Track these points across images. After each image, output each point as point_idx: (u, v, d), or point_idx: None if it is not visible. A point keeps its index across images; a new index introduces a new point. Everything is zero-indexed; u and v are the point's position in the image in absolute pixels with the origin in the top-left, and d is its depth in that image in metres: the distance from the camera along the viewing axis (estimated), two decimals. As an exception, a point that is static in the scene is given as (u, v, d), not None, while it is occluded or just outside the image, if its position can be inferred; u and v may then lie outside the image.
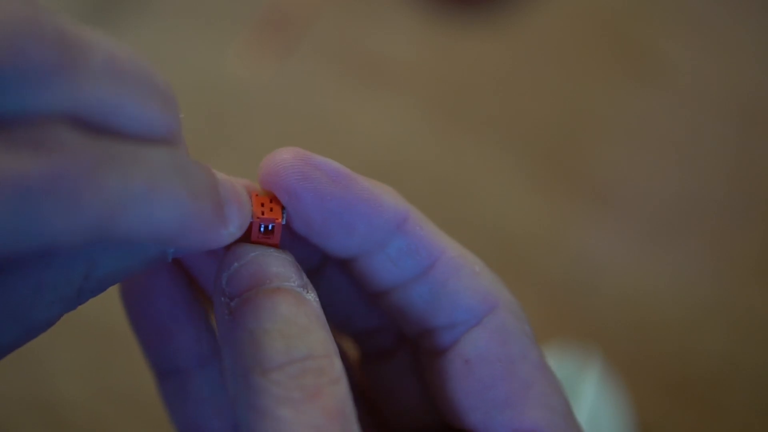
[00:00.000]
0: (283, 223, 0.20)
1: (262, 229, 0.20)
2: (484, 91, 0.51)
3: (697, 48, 0.52)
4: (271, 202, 0.21)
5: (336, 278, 0.23)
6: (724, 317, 0.42)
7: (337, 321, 0.23)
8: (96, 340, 0.41)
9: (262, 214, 0.20)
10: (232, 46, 0.52)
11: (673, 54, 0.52)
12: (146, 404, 0.39)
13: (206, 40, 0.53)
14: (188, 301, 0.22)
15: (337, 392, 0.17)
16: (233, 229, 0.19)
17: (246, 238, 0.20)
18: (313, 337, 0.18)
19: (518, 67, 0.52)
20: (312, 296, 0.19)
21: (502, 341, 0.19)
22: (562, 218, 0.46)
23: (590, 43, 0.53)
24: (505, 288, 0.20)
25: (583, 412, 0.37)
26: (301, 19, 0.53)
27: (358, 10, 0.54)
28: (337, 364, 0.18)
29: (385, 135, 0.49)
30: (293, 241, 0.21)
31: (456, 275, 0.20)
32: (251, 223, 0.20)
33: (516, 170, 0.47)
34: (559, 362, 0.38)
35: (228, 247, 0.20)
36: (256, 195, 0.21)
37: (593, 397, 0.37)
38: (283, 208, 0.21)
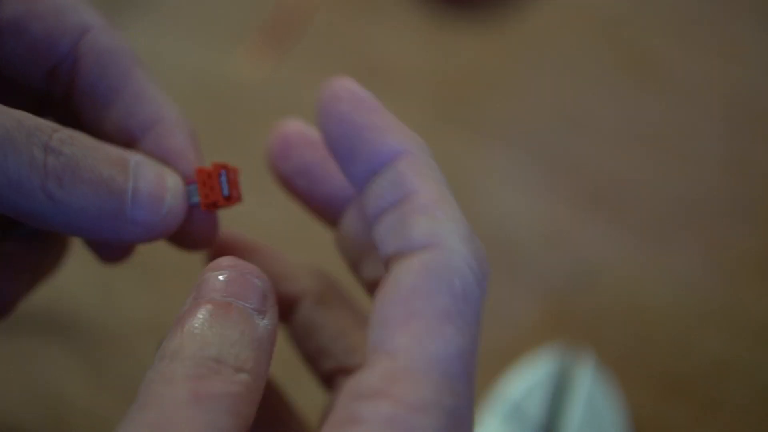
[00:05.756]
0: (226, 193, 0.23)
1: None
2: (484, 92, 0.51)
3: (693, 49, 0.52)
4: (210, 177, 0.23)
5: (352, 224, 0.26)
6: (720, 316, 0.42)
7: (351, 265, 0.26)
8: (98, 339, 0.41)
9: (206, 195, 0.23)
10: (232, 48, 0.52)
11: (669, 55, 0.52)
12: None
13: (207, 41, 0.53)
14: None
15: (220, 388, 0.19)
16: (139, 232, 0.22)
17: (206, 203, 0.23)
18: (234, 351, 0.20)
19: (517, 68, 0.52)
20: (265, 322, 0.21)
21: (417, 273, 0.20)
22: (560, 219, 0.46)
23: (588, 45, 0.53)
24: (472, 246, 0.21)
25: (579, 408, 0.37)
26: (300, 20, 0.54)
27: (357, 10, 0.54)
28: (241, 377, 0.19)
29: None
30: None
31: (415, 213, 0.21)
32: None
33: (515, 170, 0.47)
34: (556, 359, 0.38)
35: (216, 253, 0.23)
36: (201, 171, 0.23)
37: (589, 394, 0.37)
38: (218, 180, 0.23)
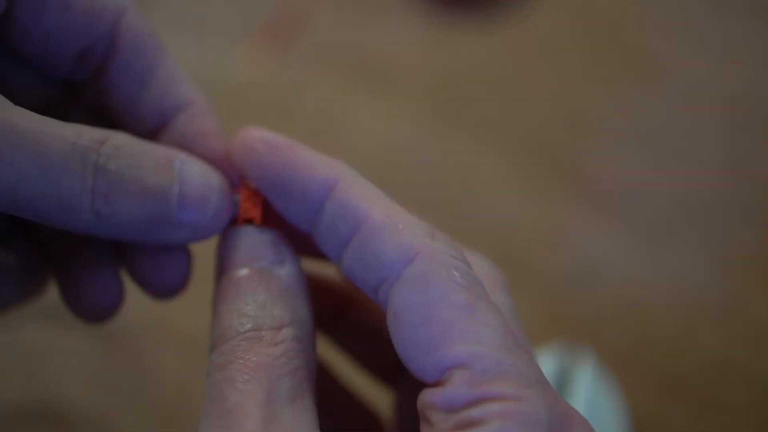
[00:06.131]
0: (265, 214, 0.23)
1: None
2: (484, 91, 0.51)
3: (693, 49, 0.52)
4: (255, 195, 0.23)
5: None
6: (720, 316, 0.42)
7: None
8: (98, 339, 0.41)
9: (246, 210, 0.23)
10: (232, 48, 0.52)
11: (669, 55, 0.52)
12: (147, 400, 0.39)
13: (207, 41, 0.53)
14: None
15: (266, 354, 0.19)
16: (185, 234, 0.22)
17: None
18: (267, 312, 0.20)
19: (517, 69, 0.52)
20: (285, 270, 0.22)
21: (421, 289, 0.20)
22: (561, 218, 0.46)
23: (587, 45, 0.53)
24: (440, 239, 0.21)
25: (579, 408, 0.37)
26: (300, 21, 0.54)
27: (357, 11, 0.54)
28: (285, 333, 0.20)
29: (384, 136, 0.49)
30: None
31: (378, 234, 0.21)
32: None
33: (515, 171, 0.47)
34: (556, 359, 0.39)
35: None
36: (247, 186, 0.23)
37: (589, 393, 0.37)
38: (264, 201, 0.23)
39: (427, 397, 0.19)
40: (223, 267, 0.22)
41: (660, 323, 0.42)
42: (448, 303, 0.19)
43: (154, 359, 0.40)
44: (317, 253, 0.25)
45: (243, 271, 0.21)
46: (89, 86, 0.24)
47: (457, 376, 0.19)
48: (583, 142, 0.49)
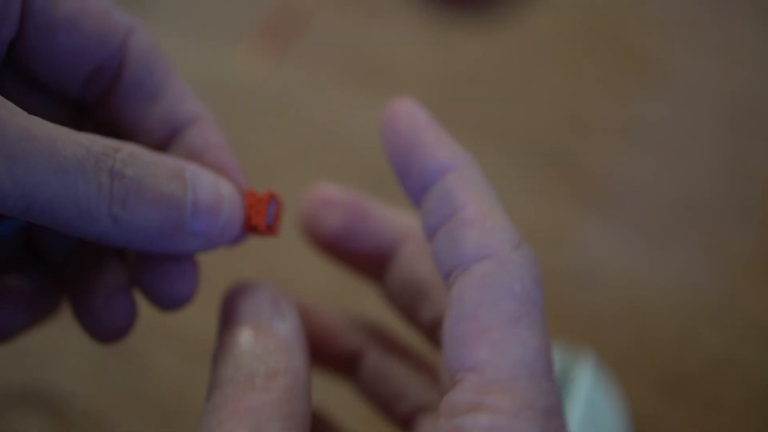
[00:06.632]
0: (269, 221, 0.24)
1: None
2: (484, 92, 0.51)
3: (693, 49, 0.52)
4: (259, 202, 0.24)
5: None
6: (720, 316, 0.42)
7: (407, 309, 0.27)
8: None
9: (251, 218, 0.23)
10: (232, 48, 0.52)
11: (669, 55, 0.52)
12: (147, 400, 0.39)
13: (207, 41, 0.53)
14: None
15: (257, 399, 0.20)
16: (198, 243, 0.22)
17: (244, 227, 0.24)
18: (262, 362, 0.21)
19: (517, 68, 0.52)
20: (286, 325, 0.22)
21: (478, 287, 0.20)
22: (561, 219, 0.46)
23: (588, 45, 0.53)
24: (524, 252, 0.21)
25: (579, 408, 0.37)
26: (300, 21, 0.54)
27: (357, 11, 0.54)
28: (278, 381, 0.20)
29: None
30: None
31: (465, 226, 0.21)
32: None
33: (515, 171, 0.48)
34: (556, 359, 0.39)
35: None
36: (251, 195, 0.24)
37: (589, 393, 0.37)
38: (266, 211, 0.24)
39: (443, 400, 0.19)
40: (224, 322, 0.23)
41: (660, 323, 0.42)
42: (495, 309, 0.20)
43: (154, 359, 0.40)
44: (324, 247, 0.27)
45: (242, 327, 0.22)
46: (99, 105, 0.24)
47: (468, 380, 0.19)
48: (583, 142, 0.49)
